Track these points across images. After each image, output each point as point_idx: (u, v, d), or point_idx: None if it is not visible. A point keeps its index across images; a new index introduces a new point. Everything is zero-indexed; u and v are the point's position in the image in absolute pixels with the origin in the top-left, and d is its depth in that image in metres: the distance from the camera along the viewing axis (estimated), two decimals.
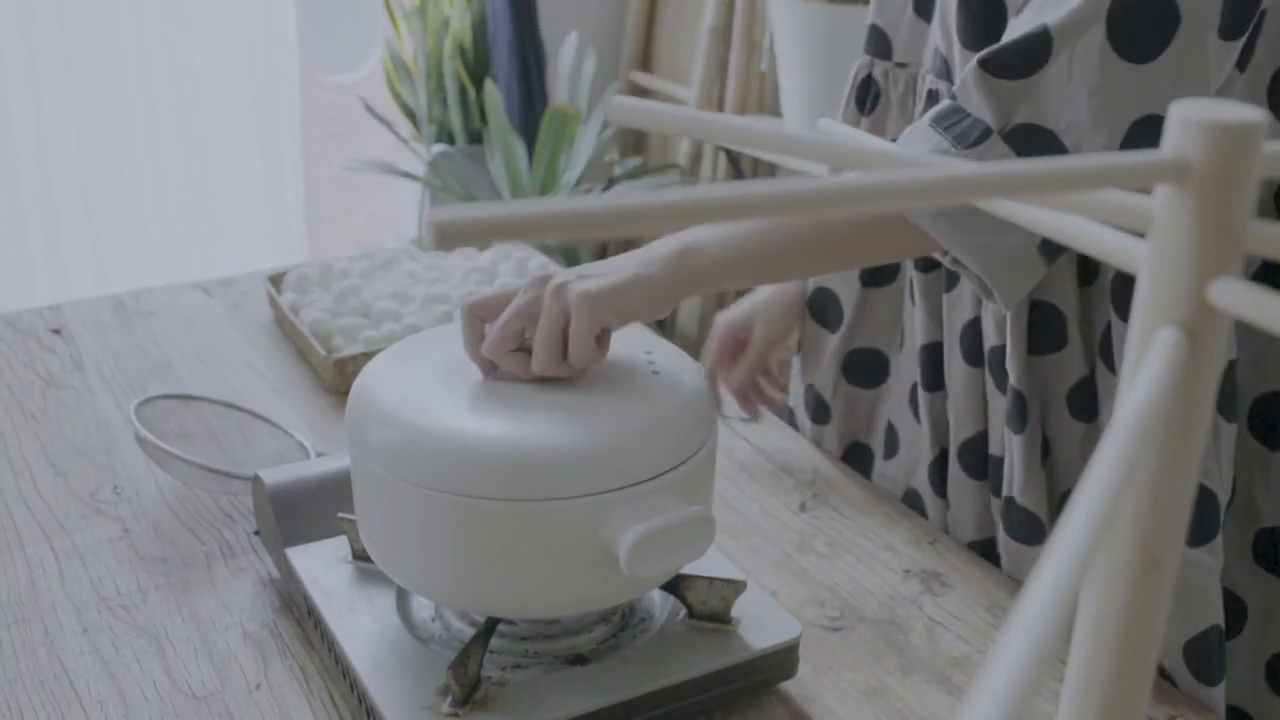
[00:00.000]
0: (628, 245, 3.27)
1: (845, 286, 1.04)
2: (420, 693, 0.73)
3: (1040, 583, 0.25)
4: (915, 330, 0.99)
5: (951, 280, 0.94)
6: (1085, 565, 0.26)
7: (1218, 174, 0.30)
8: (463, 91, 2.86)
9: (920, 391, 0.99)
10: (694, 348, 2.66)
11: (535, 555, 0.70)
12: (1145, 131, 0.75)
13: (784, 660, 0.79)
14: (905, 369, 1.02)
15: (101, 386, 1.19)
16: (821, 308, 1.06)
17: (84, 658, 0.83)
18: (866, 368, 1.05)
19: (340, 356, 1.16)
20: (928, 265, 0.96)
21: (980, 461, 0.96)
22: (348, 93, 3.39)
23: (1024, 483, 0.90)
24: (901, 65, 0.96)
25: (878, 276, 1.02)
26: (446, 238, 0.26)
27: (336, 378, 1.16)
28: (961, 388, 0.95)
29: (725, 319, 1.07)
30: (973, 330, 0.93)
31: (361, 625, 0.79)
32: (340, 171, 3.18)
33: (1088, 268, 0.86)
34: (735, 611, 0.80)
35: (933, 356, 0.97)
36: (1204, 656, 0.86)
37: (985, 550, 0.98)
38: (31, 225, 2.71)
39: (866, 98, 0.99)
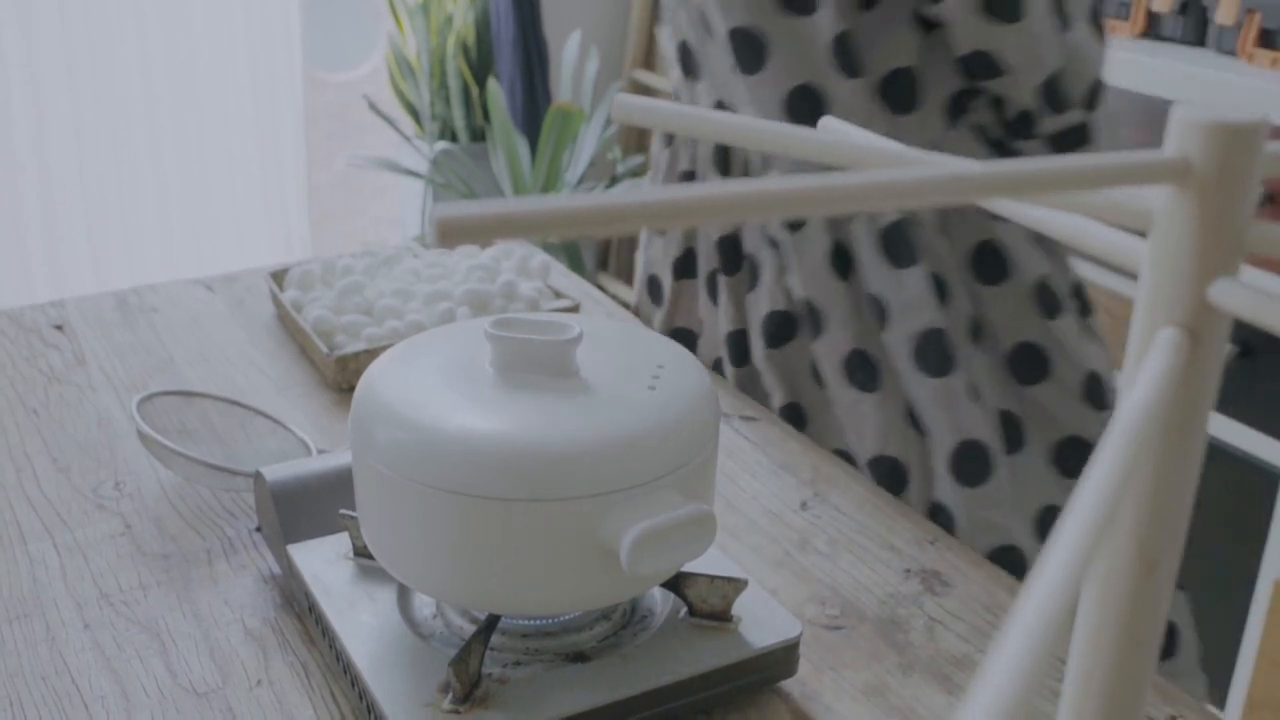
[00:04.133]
0: (630, 243, 3.27)
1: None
2: (421, 689, 0.73)
3: (1040, 582, 0.25)
4: (719, 321, 1.17)
5: (752, 282, 1.11)
6: (1085, 565, 0.26)
7: (1219, 174, 0.30)
8: (466, 89, 2.86)
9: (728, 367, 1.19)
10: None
11: (537, 553, 0.71)
12: None
13: (784, 658, 0.79)
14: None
15: (104, 382, 1.19)
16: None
17: (85, 653, 0.83)
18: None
19: (342, 354, 1.16)
20: (731, 269, 1.13)
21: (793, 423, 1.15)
22: (350, 91, 3.39)
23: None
24: None
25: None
26: (450, 234, 0.26)
27: (338, 375, 1.17)
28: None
29: None
30: (772, 322, 1.10)
31: (363, 622, 0.79)
32: (343, 170, 3.18)
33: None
34: (736, 610, 0.80)
35: (738, 341, 1.16)
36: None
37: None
38: (32, 225, 2.71)
39: None
